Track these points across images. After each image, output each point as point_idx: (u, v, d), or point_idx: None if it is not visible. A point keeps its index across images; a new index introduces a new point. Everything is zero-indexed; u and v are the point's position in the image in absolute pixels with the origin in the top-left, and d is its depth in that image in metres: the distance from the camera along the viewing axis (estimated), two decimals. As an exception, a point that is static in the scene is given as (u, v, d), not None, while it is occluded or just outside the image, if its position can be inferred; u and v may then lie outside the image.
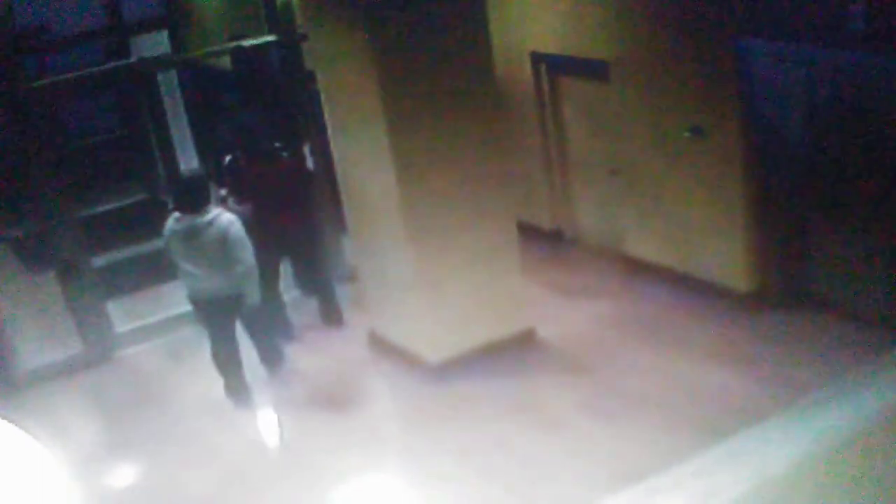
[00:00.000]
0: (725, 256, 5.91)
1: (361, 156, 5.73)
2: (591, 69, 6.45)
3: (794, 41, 5.16)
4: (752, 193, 5.66)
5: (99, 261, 6.54)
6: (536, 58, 6.91)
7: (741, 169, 5.61)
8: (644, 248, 6.51)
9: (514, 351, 5.70)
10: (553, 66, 6.90)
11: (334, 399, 5.68)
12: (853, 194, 5.25)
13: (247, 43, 6.26)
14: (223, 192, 6.08)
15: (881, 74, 4.82)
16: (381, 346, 6.06)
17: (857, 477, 2.33)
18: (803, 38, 5.11)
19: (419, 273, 5.53)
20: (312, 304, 6.48)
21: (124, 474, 5.32)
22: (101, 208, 6.57)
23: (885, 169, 5.00)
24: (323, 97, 6.07)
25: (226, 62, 7.98)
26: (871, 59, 4.82)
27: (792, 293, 5.78)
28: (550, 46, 6.72)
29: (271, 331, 5.95)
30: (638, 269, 6.53)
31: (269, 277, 5.84)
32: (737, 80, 5.44)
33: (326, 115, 6.03)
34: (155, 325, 6.70)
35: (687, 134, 5.77)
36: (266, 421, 5.66)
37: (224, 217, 5.22)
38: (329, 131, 6.07)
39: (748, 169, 5.61)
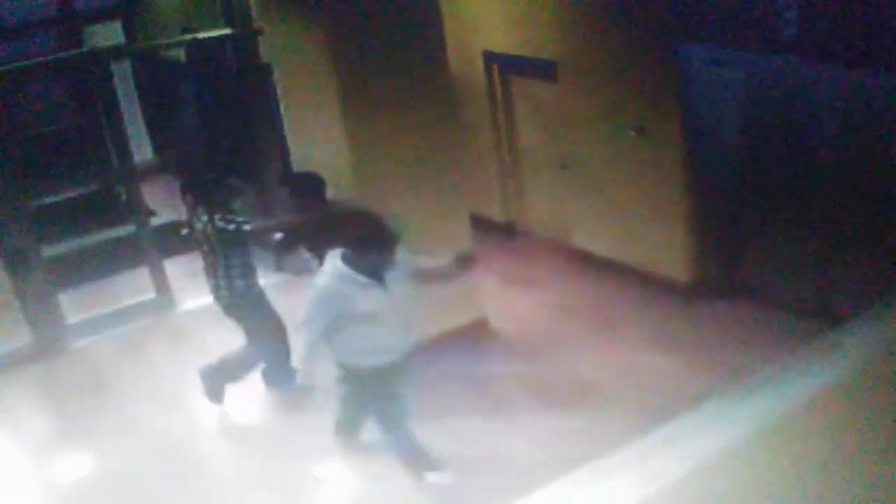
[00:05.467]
0: (666, 249, 6.18)
1: (317, 148, 5.80)
2: (540, 69, 6.63)
3: (732, 47, 5.42)
4: (691, 189, 5.94)
5: (50, 251, 6.44)
6: (489, 57, 7.07)
7: (681, 166, 5.88)
8: (591, 240, 6.76)
9: (468, 340, 5.86)
10: (505, 65, 7.06)
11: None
12: (785, 192, 5.54)
13: (202, 35, 6.24)
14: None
15: (811, 78, 5.11)
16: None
17: (788, 457, 2.51)
18: (740, 45, 5.37)
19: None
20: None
21: (76, 466, 5.27)
22: (52, 198, 6.47)
23: (815, 168, 5.30)
24: (279, 90, 6.12)
25: (180, 54, 7.91)
26: (802, 64, 5.10)
27: (728, 284, 6.08)
28: (502, 46, 6.87)
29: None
30: (586, 260, 6.77)
31: None
32: (678, 83, 5.69)
33: (282, 108, 6.07)
34: (107, 316, 6.65)
35: (632, 133, 6.01)
36: (220, 411, 5.69)
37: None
38: (285, 124, 6.12)
39: (688, 166, 5.87)
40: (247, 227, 5.10)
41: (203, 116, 7.80)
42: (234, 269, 5.17)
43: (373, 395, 4.43)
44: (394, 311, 4.22)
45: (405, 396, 4.47)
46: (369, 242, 4.13)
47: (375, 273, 4.13)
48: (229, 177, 5.76)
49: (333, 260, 4.19)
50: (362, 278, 4.11)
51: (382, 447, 4.58)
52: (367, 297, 4.12)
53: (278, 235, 5.44)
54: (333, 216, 5.18)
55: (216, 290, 5.28)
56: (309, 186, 5.27)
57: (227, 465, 5.06)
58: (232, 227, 5.06)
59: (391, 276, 4.19)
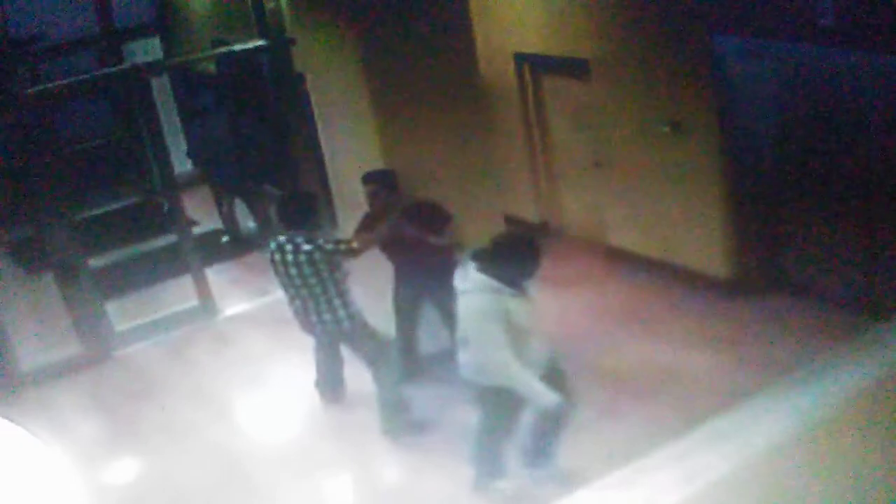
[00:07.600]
0: (705, 245, 6.11)
1: (351, 153, 5.87)
2: (572, 67, 6.61)
3: (766, 37, 5.35)
4: (729, 184, 5.86)
5: (96, 262, 6.62)
6: (520, 58, 7.07)
7: (718, 161, 5.82)
8: (627, 238, 6.71)
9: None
10: (536, 66, 7.06)
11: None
12: (826, 184, 5.44)
13: (237, 47, 6.36)
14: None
15: (849, 69, 5.02)
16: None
17: (833, 453, 2.51)
18: (775, 35, 5.30)
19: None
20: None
21: (124, 471, 5.39)
22: (97, 211, 6.66)
23: (855, 159, 5.20)
24: (313, 98, 6.20)
25: (211, 66, 8.05)
26: (840, 54, 5.01)
27: (769, 279, 5.99)
28: (533, 46, 6.86)
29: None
30: (621, 258, 6.73)
31: None
32: (712, 76, 5.63)
33: (316, 115, 6.16)
34: (152, 323, 6.81)
35: (666, 128, 5.97)
36: (263, 416, 5.78)
37: None
38: (319, 130, 6.20)
39: (725, 161, 5.81)
40: (355, 245, 4.79)
41: (239, 126, 7.94)
42: (340, 295, 4.79)
43: (509, 414, 4.12)
44: (536, 322, 3.98)
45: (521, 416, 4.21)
46: (516, 251, 3.90)
47: (519, 283, 3.90)
48: (263, 185, 5.79)
49: (470, 273, 3.91)
50: (511, 290, 3.86)
51: (468, 446, 4.46)
52: (521, 310, 3.87)
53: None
54: (416, 210, 5.07)
55: (321, 322, 4.88)
56: (390, 182, 5.16)
57: (273, 471, 5.11)
58: (343, 247, 4.72)
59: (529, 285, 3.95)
